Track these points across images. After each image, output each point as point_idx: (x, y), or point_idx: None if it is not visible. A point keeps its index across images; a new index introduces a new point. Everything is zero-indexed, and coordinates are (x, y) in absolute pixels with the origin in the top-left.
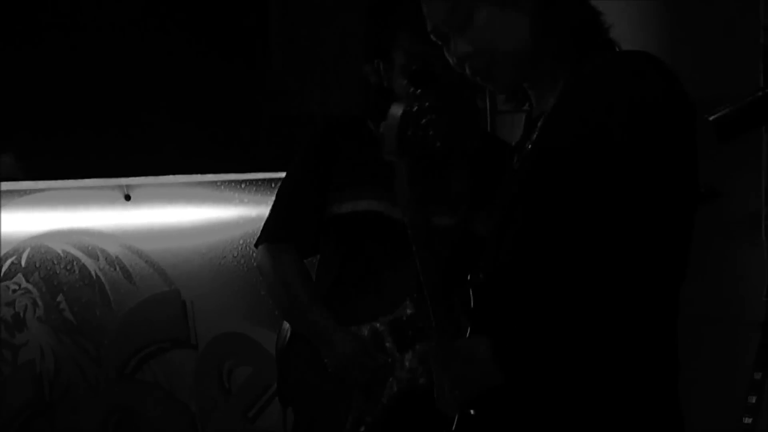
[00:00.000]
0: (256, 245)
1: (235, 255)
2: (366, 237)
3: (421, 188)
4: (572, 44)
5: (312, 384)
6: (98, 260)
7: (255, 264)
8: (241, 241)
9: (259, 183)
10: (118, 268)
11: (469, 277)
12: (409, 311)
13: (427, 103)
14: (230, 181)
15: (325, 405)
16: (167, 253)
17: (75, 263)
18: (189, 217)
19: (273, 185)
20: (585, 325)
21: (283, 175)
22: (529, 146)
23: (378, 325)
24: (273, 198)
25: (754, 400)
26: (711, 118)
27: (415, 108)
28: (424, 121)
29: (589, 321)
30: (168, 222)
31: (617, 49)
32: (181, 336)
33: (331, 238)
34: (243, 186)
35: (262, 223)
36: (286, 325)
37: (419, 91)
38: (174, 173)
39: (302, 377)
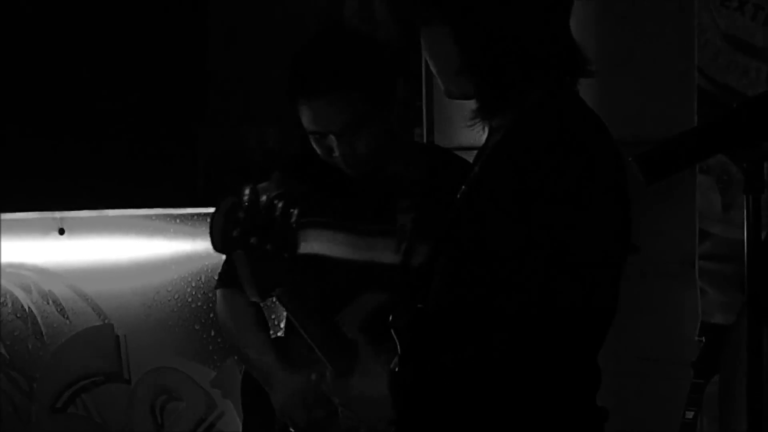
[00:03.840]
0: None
1: (169, 290)
2: (309, 282)
3: (263, 273)
4: (528, 75)
5: (272, 422)
6: (31, 294)
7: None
8: (175, 276)
9: (194, 217)
10: (50, 302)
11: (390, 318)
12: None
13: (275, 193)
14: (165, 215)
15: None
16: (101, 287)
17: (8, 296)
18: (123, 251)
19: (208, 219)
20: (516, 358)
21: None
22: (472, 175)
23: (312, 375)
24: (207, 232)
25: None
26: (633, 158)
27: (246, 198)
28: (259, 212)
29: (507, 368)
30: (102, 256)
31: (576, 88)
32: (114, 370)
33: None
34: (178, 220)
35: (198, 259)
36: None
37: (276, 173)
38: (108, 207)
39: (264, 415)
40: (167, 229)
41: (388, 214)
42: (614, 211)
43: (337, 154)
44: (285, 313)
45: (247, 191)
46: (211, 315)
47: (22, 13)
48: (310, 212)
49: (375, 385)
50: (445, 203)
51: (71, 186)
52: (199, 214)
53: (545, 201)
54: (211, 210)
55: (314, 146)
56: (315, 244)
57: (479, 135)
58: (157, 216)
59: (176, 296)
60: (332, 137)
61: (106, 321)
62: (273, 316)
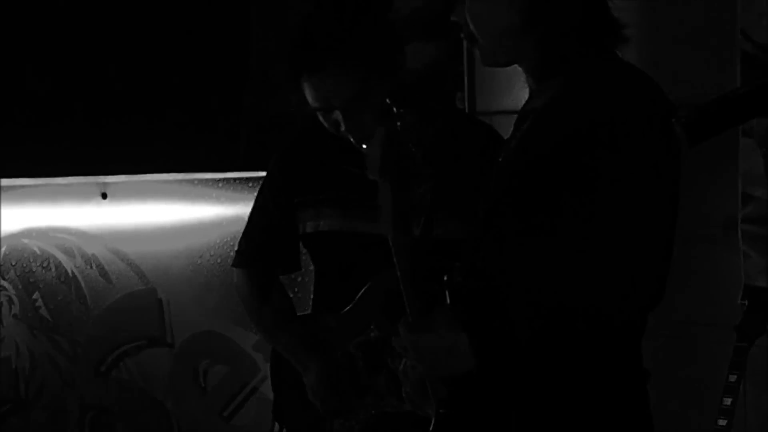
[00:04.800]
0: (232, 266)
1: (212, 254)
2: (329, 257)
3: (405, 206)
4: (574, 41)
5: (299, 403)
6: (74, 258)
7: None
8: (218, 240)
9: (237, 182)
10: (94, 266)
11: (446, 279)
12: (372, 335)
13: (408, 121)
14: (207, 180)
15: (312, 426)
16: (144, 251)
17: (51, 261)
18: (166, 215)
19: (251, 184)
20: (563, 324)
21: (261, 174)
22: (514, 143)
23: (350, 348)
24: (251, 196)
25: (729, 402)
26: (676, 120)
27: (398, 127)
28: (406, 140)
29: (568, 322)
30: (144, 220)
31: (617, 54)
32: (157, 334)
33: (310, 256)
34: (220, 185)
35: (240, 223)
36: None
37: (401, 110)
38: (150, 171)
39: (291, 396)
40: (210, 194)
41: None
42: (669, 182)
43: (344, 129)
44: (312, 287)
45: (398, 123)
46: None
47: None
48: (325, 187)
49: (451, 339)
50: (472, 170)
51: (114, 151)
52: (241, 179)
53: (603, 169)
54: (254, 174)
55: (322, 121)
56: (331, 220)
57: (521, 98)
58: (200, 181)
59: (219, 260)
60: (337, 112)
61: (149, 285)
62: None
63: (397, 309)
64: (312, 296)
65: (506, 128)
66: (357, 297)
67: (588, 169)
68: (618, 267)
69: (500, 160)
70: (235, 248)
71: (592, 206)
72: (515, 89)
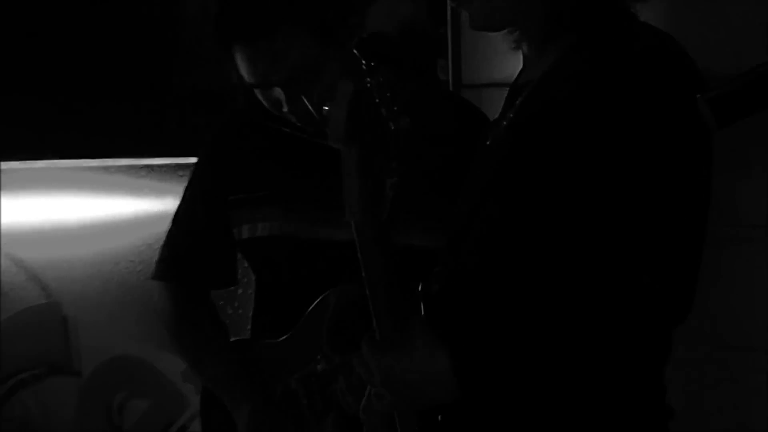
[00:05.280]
0: (152, 278)
1: (131, 260)
2: (270, 268)
3: (374, 182)
4: (582, 4)
5: None
6: None
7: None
8: (138, 243)
9: (163, 169)
10: None
11: (420, 288)
12: (319, 366)
13: (381, 79)
14: (126, 167)
15: None
16: (45, 256)
17: None
18: (73, 211)
19: (180, 173)
20: (570, 345)
21: (193, 160)
22: (505, 124)
23: (292, 382)
24: (180, 188)
25: None
26: (705, 99)
27: (368, 84)
28: (378, 100)
29: (577, 343)
30: (47, 217)
31: (634, 25)
32: (61, 360)
33: (250, 266)
34: (143, 173)
35: (168, 221)
36: None
37: (372, 63)
38: (54, 157)
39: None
40: (129, 184)
41: None
42: (697, 174)
43: (286, 110)
44: (253, 304)
45: (368, 79)
46: None
47: None
48: (264, 182)
49: (429, 362)
50: (446, 162)
51: (7, 132)
52: (168, 166)
53: (616, 159)
54: (184, 160)
55: (261, 100)
56: (271, 222)
57: (516, 67)
58: (117, 168)
59: (139, 268)
60: (278, 90)
61: (51, 298)
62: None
63: (352, 332)
64: (251, 316)
65: (497, 104)
66: (303, 318)
67: (598, 158)
68: (636, 273)
69: (487, 143)
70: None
71: (605, 201)
72: (509, 57)
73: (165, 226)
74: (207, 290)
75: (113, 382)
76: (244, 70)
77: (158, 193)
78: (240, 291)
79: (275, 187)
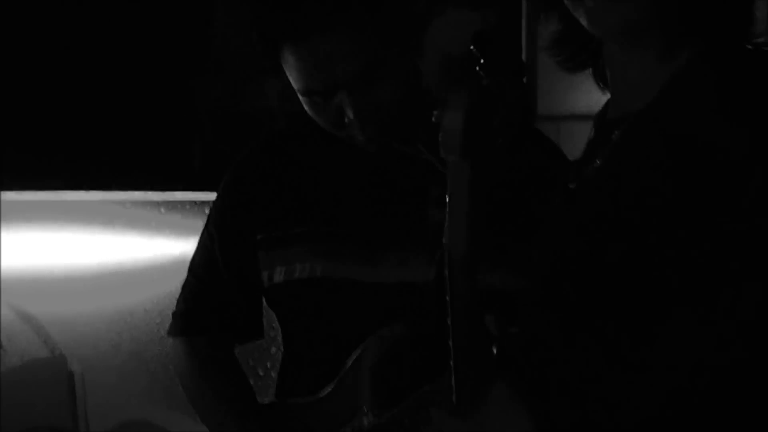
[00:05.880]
0: (168, 335)
1: (147, 309)
2: (307, 316)
3: (484, 202)
4: (697, 23)
5: None
6: None
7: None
8: (157, 290)
9: (187, 206)
10: None
11: (495, 351)
12: (366, 421)
13: (497, 82)
14: (145, 202)
15: None
16: (50, 305)
17: None
18: (83, 252)
19: (206, 209)
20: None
21: None
22: (598, 164)
23: None
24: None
25: None
26: None
27: (485, 87)
28: (491, 108)
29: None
30: (53, 261)
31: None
32: (65, 423)
33: (277, 315)
34: (163, 210)
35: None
36: None
37: (490, 62)
38: (62, 188)
39: None
40: (147, 221)
41: (414, 208)
42: None
43: (351, 116)
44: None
45: (485, 81)
46: None
47: None
48: (302, 217)
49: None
50: (530, 199)
51: (10, 159)
52: (193, 202)
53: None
54: (213, 195)
55: (313, 115)
56: (312, 263)
57: (599, 100)
58: (134, 203)
59: (157, 320)
60: (342, 94)
61: (56, 352)
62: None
63: (398, 381)
64: (278, 374)
65: (575, 138)
66: (345, 368)
67: (732, 214)
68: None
69: (571, 187)
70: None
71: (740, 269)
72: (592, 88)
73: (184, 269)
74: (230, 345)
75: None
76: (298, 75)
77: (182, 232)
78: (273, 350)
79: (317, 222)
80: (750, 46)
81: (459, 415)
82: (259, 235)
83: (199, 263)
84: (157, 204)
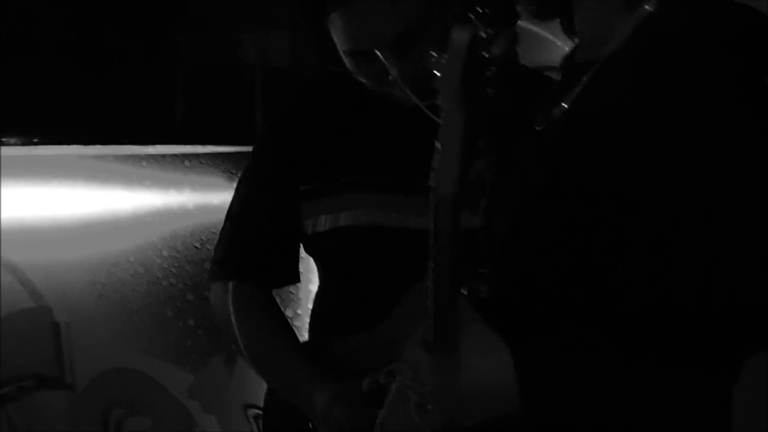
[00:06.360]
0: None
1: (131, 260)
2: (350, 264)
3: (472, 153)
4: None
5: None
6: None
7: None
8: (140, 242)
9: (169, 159)
10: None
11: (465, 293)
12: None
13: (495, 32)
14: (127, 156)
15: None
16: (35, 256)
17: None
18: (66, 205)
19: (187, 163)
20: (643, 350)
21: (202, 150)
22: (565, 107)
23: (381, 377)
24: (187, 179)
25: None
26: None
27: (484, 36)
28: (490, 59)
29: (647, 348)
30: (37, 213)
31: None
32: (52, 371)
33: (317, 262)
34: (144, 163)
35: (173, 218)
36: None
37: (487, 12)
38: (44, 143)
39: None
40: (129, 175)
41: None
42: None
43: (395, 74)
44: (315, 302)
45: (484, 30)
46: (190, 297)
47: None
48: (348, 167)
49: (492, 369)
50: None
51: None
52: (175, 155)
53: (727, 155)
54: (193, 149)
55: (356, 74)
56: (358, 212)
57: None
58: (115, 157)
59: (141, 270)
60: (386, 54)
61: (41, 303)
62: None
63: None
64: (312, 312)
65: None
66: (396, 307)
67: (695, 159)
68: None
69: (538, 129)
70: (164, 253)
71: (696, 208)
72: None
73: (169, 222)
74: (269, 289)
75: (110, 397)
76: (345, 38)
77: (162, 185)
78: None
79: (361, 172)
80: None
81: (437, 353)
82: (302, 187)
83: (238, 211)
84: (139, 158)
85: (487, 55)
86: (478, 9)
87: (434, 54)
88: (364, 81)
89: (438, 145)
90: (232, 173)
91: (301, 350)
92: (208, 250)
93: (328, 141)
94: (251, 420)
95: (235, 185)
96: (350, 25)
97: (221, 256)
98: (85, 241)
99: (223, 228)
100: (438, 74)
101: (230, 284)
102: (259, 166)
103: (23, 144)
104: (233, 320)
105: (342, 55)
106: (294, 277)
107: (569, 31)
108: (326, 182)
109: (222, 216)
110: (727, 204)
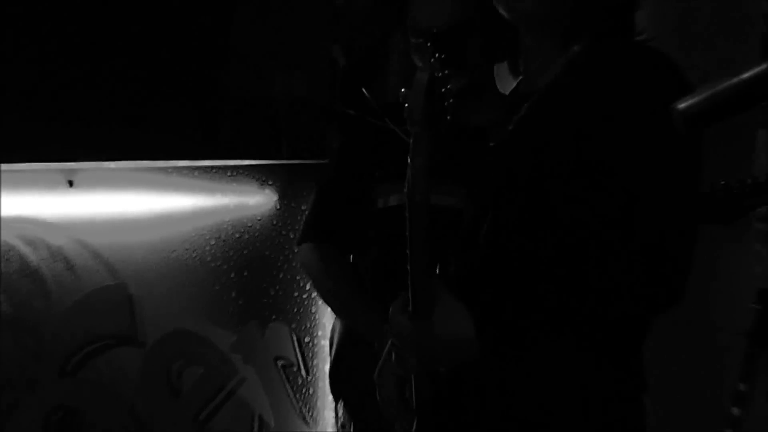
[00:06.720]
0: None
1: (186, 248)
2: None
3: (433, 165)
4: (591, 18)
5: (364, 380)
6: (39, 250)
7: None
8: (192, 233)
9: (214, 171)
10: (60, 259)
11: (437, 271)
12: None
13: (449, 73)
14: (182, 168)
15: (375, 402)
16: (113, 243)
17: (13, 253)
18: (137, 206)
19: (229, 173)
20: (571, 320)
21: (241, 163)
22: (511, 127)
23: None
24: (229, 187)
25: (737, 413)
26: (679, 108)
27: (440, 75)
28: (447, 89)
29: (577, 318)
30: (114, 210)
31: (634, 38)
32: (128, 333)
33: (378, 232)
34: (196, 174)
35: (217, 215)
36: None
37: (443, 56)
38: (120, 159)
39: (355, 373)
40: (184, 184)
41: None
42: (693, 165)
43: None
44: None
45: (436, 65)
46: (232, 275)
47: None
48: (395, 162)
49: (458, 329)
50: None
51: (81, 135)
52: (218, 167)
53: (624, 153)
54: (233, 162)
55: (415, 57)
56: (395, 196)
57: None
58: (174, 169)
59: (194, 254)
60: (436, 42)
61: (118, 280)
62: None
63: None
64: (371, 280)
65: None
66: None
67: (608, 157)
68: (633, 260)
69: (491, 145)
70: (212, 242)
71: (603, 195)
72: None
73: (214, 219)
74: (347, 254)
75: (172, 351)
76: (421, 15)
77: (210, 190)
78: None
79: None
80: (632, 42)
81: (416, 317)
82: (377, 173)
83: (325, 188)
84: (192, 169)
85: (444, 90)
86: (436, 55)
87: (403, 89)
88: (416, 63)
89: (409, 160)
90: (263, 181)
91: (372, 304)
92: (246, 239)
93: (385, 141)
94: (279, 368)
95: (265, 191)
96: (428, 6)
97: (310, 221)
98: (152, 233)
99: (313, 201)
100: (406, 105)
101: (317, 246)
102: (345, 160)
103: (111, 159)
104: (321, 274)
105: (410, 34)
106: (363, 246)
107: (514, 70)
108: (388, 171)
109: (254, 213)
110: (631, 177)
